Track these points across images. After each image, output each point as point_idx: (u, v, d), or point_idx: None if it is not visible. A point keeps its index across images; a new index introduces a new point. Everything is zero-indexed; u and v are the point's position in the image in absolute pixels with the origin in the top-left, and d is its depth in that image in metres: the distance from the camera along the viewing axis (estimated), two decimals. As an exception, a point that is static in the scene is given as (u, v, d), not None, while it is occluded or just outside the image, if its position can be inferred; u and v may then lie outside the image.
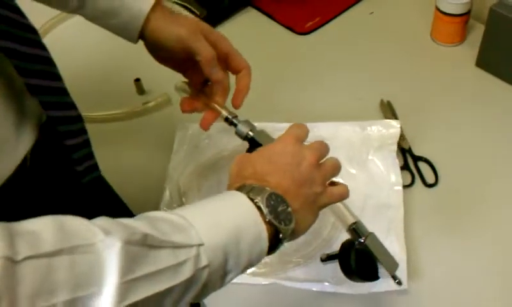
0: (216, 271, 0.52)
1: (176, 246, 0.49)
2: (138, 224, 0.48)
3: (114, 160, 0.96)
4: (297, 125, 0.66)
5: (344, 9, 1.21)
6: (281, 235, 0.56)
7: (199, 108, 0.80)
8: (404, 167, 0.90)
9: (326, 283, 0.76)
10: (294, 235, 0.60)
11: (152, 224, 0.49)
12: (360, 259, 0.68)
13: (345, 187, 0.66)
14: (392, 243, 0.79)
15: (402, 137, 0.94)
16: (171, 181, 0.91)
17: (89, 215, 0.55)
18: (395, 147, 0.91)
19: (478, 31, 1.08)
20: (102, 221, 0.47)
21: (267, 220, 0.55)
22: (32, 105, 0.66)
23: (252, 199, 0.56)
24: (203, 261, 0.50)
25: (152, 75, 1.08)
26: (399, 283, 0.68)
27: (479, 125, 0.96)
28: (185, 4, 1.24)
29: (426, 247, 0.80)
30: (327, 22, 1.19)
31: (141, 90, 1.07)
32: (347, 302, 0.76)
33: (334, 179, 0.67)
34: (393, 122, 0.94)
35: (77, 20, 1.23)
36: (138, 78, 1.07)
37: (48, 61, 0.65)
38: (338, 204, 0.69)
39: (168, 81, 1.07)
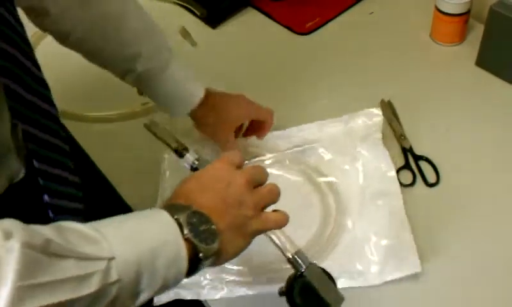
0: (127, 288, 0.50)
1: (83, 257, 0.47)
2: (44, 231, 0.46)
3: (114, 160, 0.96)
4: (231, 151, 0.67)
5: (344, 9, 1.21)
6: (201, 255, 0.54)
7: None
8: (405, 166, 0.90)
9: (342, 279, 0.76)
10: (220, 257, 0.58)
11: (60, 232, 0.48)
12: (304, 293, 0.63)
13: (284, 214, 0.64)
14: (398, 229, 0.81)
15: (403, 136, 0.94)
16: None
17: None
18: (380, 135, 0.93)
19: (478, 31, 1.08)
20: (7, 223, 0.45)
21: (185, 237, 0.54)
22: (13, 164, 0.65)
23: (173, 216, 0.55)
24: (113, 276, 0.48)
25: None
26: None
27: (480, 124, 0.96)
28: (186, 5, 1.24)
29: (428, 247, 0.80)
30: (327, 22, 1.19)
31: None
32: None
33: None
34: (375, 110, 0.95)
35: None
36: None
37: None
38: (278, 232, 0.65)
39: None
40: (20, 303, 0.42)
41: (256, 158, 0.93)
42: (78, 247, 0.47)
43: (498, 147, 0.93)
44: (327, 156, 0.92)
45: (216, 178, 0.61)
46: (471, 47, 1.08)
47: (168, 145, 0.76)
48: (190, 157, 0.72)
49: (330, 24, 1.19)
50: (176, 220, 0.54)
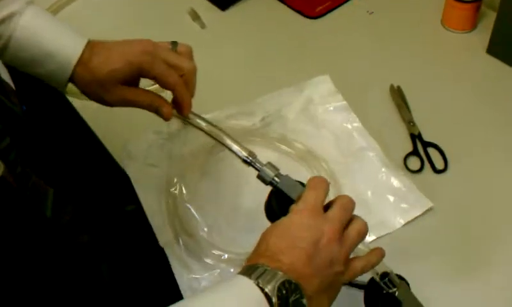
0: None
1: None
2: None
3: (121, 139, 0.95)
4: (314, 185, 0.60)
5: (355, -7, 1.20)
6: None
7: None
8: (414, 152, 0.90)
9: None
10: None
11: None
12: (386, 303, 0.64)
13: (374, 256, 0.59)
14: (395, 179, 0.85)
15: (411, 122, 0.93)
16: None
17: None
18: (340, 96, 0.97)
19: (490, 18, 1.07)
20: None
21: None
22: None
23: (262, 289, 0.50)
24: None
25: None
26: None
27: (489, 111, 0.96)
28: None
29: (434, 234, 0.80)
30: (337, 7, 1.18)
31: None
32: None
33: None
34: (322, 77, 1.00)
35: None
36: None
37: None
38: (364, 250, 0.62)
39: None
40: None
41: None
42: None
43: (507, 135, 0.92)
44: (298, 126, 0.95)
45: (301, 232, 0.55)
46: (482, 35, 1.07)
47: (233, 152, 0.69)
48: (269, 173, 0.65)
49: (341, 8, 1.18)
50: (266, 294, 0.50)
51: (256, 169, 0.67)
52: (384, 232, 0.80)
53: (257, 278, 0.51)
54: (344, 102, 0.97)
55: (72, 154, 1.02)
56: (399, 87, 1.00)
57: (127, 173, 0.89)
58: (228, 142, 0.70)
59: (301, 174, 0.87)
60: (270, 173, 0.65)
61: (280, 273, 0.51)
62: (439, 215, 0.82)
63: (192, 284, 0.76)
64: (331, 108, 0.96)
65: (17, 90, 0.88)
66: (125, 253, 0.91)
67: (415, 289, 0.67)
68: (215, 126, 0.72)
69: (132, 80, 0.72)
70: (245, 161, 0.68)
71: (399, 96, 0.98)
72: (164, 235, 0.81)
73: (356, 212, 0.62)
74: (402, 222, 0.81)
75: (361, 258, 0.59)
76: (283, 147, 0.91)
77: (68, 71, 0.70)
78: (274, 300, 0.50)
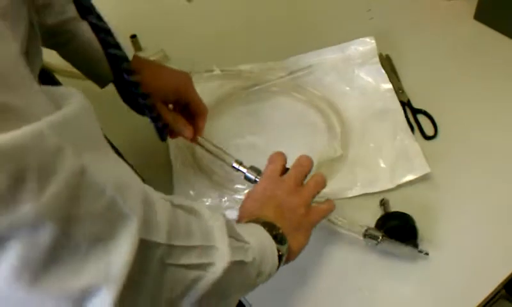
0: (256, 268, 0.59)
1: (240, 239, 0.58)
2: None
3: (115, 121, 0.95)
4: (272, 160, 0.73)
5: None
6: (280, 252, 0.63)
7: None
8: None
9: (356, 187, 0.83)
10: (290, 254, 0.66)
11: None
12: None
13: (331, 201, 0.73)
14: (403, 141, 0.87)
15: (401, 90, 0.94)
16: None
17: None
18: (376, 59, 0.98)
19: (477, -16, 1.07)
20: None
21: None
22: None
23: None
24: (250, 257, 0.57)
25: (148, 31, 1.07)
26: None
27: (478, 77, 0.96)
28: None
29: (424, 201, 0.81)
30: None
31: (137, 47, 1.06)
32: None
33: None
34: (368, 39, 1.00)
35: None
36: (134, 34, 1.05)
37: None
38: (340, 218, 0.76)
39: (164, 38, 1.07)
40: (234, 256, 0.54)
41: (257, 87, 0.97)
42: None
43: (495, 100, 0.93)
44: (326, 80, 0.97)
45: (264, 192, 0.70)
46: (470, 1, 1.07)
47: (222, 160, 0.81)
48: (252, 174, 0.78)
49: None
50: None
51: (241, 172, 0.79)
52: (374, 190, 0.82)
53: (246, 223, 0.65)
54: (379, 65, 0.97)
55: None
56: (387, 55, 1.00)
57: None
58: (225, 156, 0.81)
59: (311, 117, 0.93)
60: (253, 174, 0.78)
61: (260, 219, 0.66)
62: (430, 181, 0.83)
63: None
64: (367, 69, 0.97)
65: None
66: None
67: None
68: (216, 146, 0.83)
69: (167, 99, 0.81)
70: (233, 167, 0.80)
71: (387, 65, 0.98)
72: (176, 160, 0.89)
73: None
74: (396, 183, 0.82)
75: (321, 204, 0.73)
76: (298, 95, 0.96)
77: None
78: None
